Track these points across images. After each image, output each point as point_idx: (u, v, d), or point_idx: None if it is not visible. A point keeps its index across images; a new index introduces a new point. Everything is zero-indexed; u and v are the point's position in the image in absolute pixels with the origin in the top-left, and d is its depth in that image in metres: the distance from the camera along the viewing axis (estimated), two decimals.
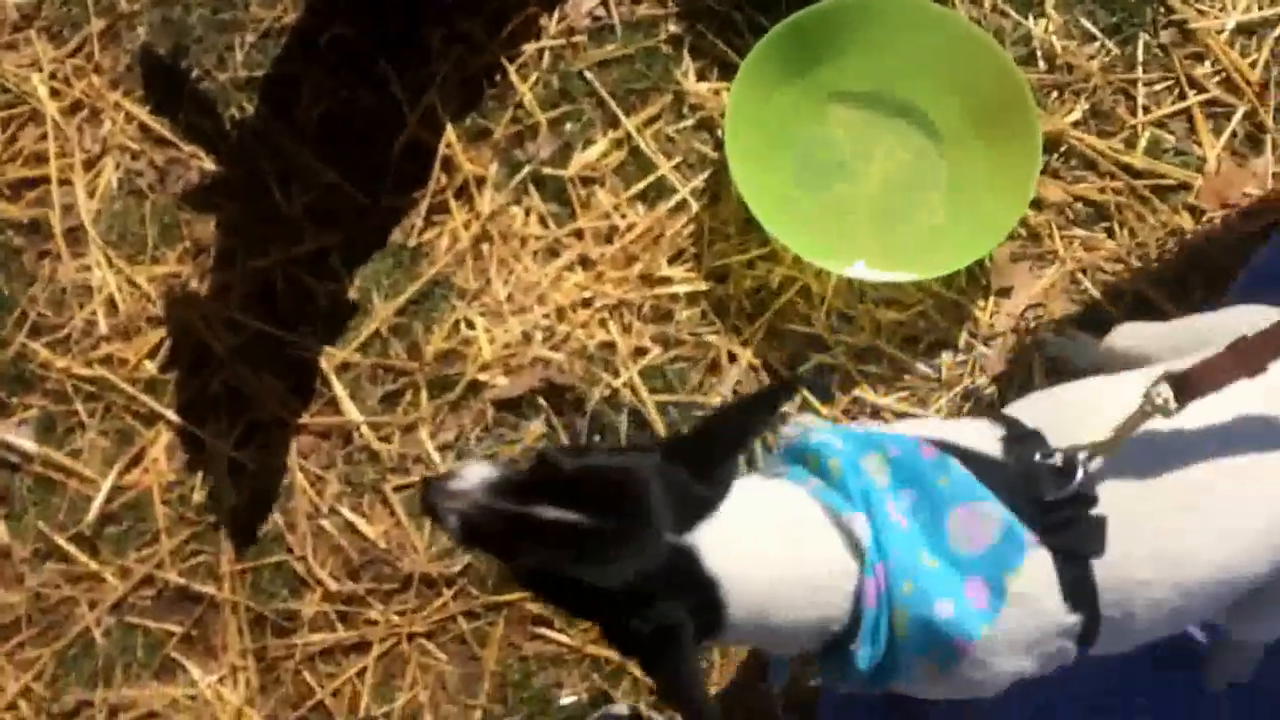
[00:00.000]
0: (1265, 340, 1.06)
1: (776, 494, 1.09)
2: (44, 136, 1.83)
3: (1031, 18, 1.77)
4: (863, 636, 1.03)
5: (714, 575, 1.00)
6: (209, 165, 1.81)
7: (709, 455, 1.04)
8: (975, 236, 1.67)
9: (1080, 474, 1.05)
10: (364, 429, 1.72)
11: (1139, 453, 1.06)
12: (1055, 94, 1.74)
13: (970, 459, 1.09)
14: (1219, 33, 1.75)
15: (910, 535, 1.03)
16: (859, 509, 1.03)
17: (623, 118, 1.79)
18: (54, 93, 1.84)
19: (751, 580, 1.02)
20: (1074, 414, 1.13)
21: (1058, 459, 1.06)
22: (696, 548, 1.00)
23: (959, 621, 1.00)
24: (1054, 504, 1.04)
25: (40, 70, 1.85)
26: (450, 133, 1.79)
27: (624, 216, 1.76)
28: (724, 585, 1.00)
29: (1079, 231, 1.71)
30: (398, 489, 1.71)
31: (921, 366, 1.69)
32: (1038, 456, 1.08)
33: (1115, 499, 1.05)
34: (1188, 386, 1.05)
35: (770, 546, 1.04)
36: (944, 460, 1.05)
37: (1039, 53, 1.75)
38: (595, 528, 0.98)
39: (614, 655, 1.63)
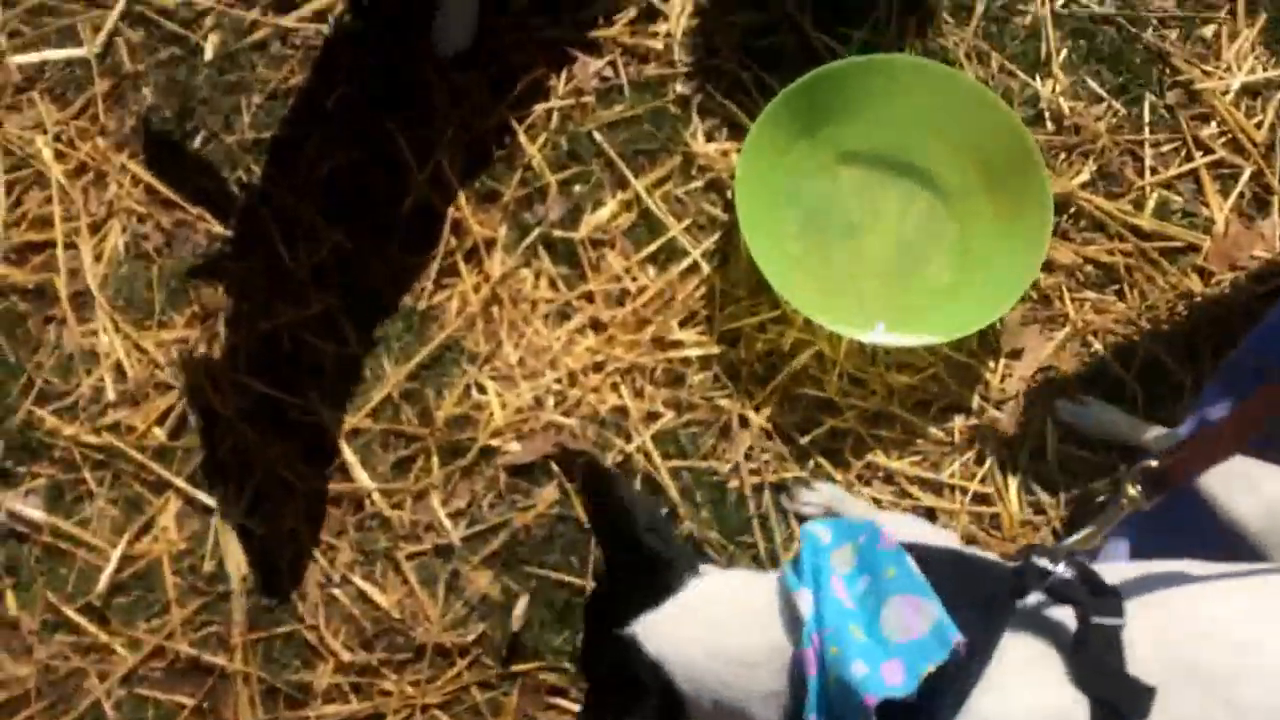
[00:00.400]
0: (1229, 430, 1.11)
1: (730, 581, 1.25)
2: (49, 200, 1.86)
3: (1039, 78, 1.83)
4: (809, 705, 1.11)
5: (656, 658, 1.17)
6: (216, 228, 1.85)
7: (649, 563, 1.22)
8: (987, 297, 1.73)
9: (1060, 567, 1.13)
10: (375, 496, 1.75)
11: (1194, 644, 1.11)
12: (1063, 155, 1.80)
13: (960, 560, 1.18)
14: (1224, 94, 1.81)
15: (848, 611, 1.12)
16: (808, 586, 1.14)
17: (632, 179, 1.84)
18: (58, 155, 1.88)
19: (687, 659, 1.17)
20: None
21: (1045, 561, 1.13)
22: (635, 635, 1.18)
23: (868, 680, 1.06)
24: (1083, 647, 1.09)
25: (44, 133, 1.88)
26: (459, 194, 1.84)
27: (635, 279, 1.81)
28: (666, 666, 1.17)
29: (1089, 294, 1.76)
30: (410, 557, 1.74)
31: (934, 430, 1.74)
32: (1032, 558, 1.15)
33: (1163, 681, 1.09)
34: (1162, 481, 1.11)
35: (704, 629, 1.18)
36: (899, 554, 1.14)
37: (1047, 113, 1.82)
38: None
39: None
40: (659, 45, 1.88)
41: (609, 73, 1.88)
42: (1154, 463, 1.14)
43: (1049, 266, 1.76)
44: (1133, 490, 1.13)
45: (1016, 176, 1.74)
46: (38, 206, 1.87)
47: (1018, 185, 1.74)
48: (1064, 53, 1.84)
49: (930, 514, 1.72)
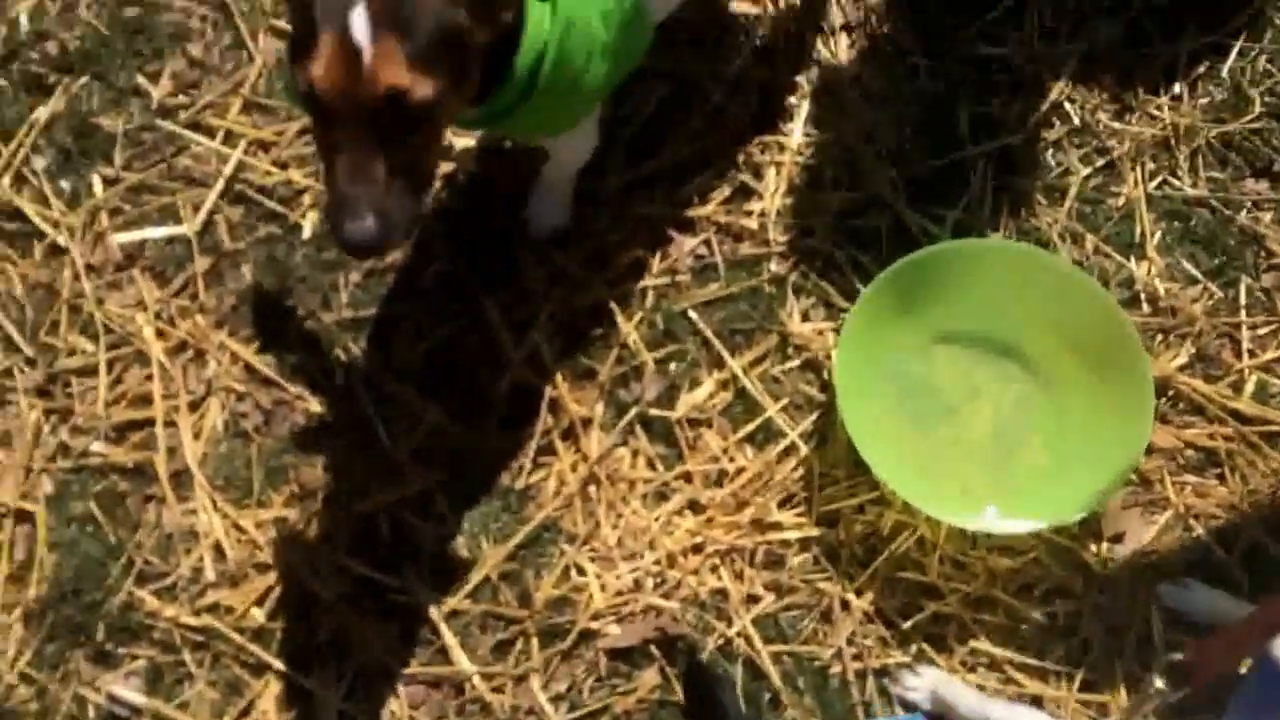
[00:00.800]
0: (1251, 628, 1.17)
1: None
2: (149, 378, 1.95)
3: (1134, 259, 1.91)
4: None
5: None
6: (314, 406, 1.93)
7: None
8: (1089, 482, 1.79)
9: None
10: (476, 679, 1.80)
11: None
12: (1160, 337, 1.88)
13: None
14: None
15: None
16: None
17: (728, 358, 1.91)
18: (159, 333, 1.96)
19: None
20: None
21: None
22: None
23: None
24: None
25: (145, 310, 1.97)
26: (555, 373, 1.90)
27: (732, 460, 1.87)
28: None
29: (1190, 478, 1.82)
30: None
31: (1037, 615, 1.78)
32: None
33: None
34: (1188, 674, 1.16)
35: None
36: None
37: (1143, 295, 1.90)
38: None
39: None
40: (753, 224, 1.97)
41: (704, 251, 1.97)
42: (1179, 656, 1.20)
43: (1149, 449, 1.82)
44: (1159, 683, 1.19)
45: (1114, 359, 1.81)
46: (138, 384, 1.95)
47: (1116, 367, 1.81)
48: (1158, 235, 1.93)
49: (1037, 701, 1.77)
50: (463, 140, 2.03)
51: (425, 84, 1.26)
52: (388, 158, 1.28)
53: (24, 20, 2.09)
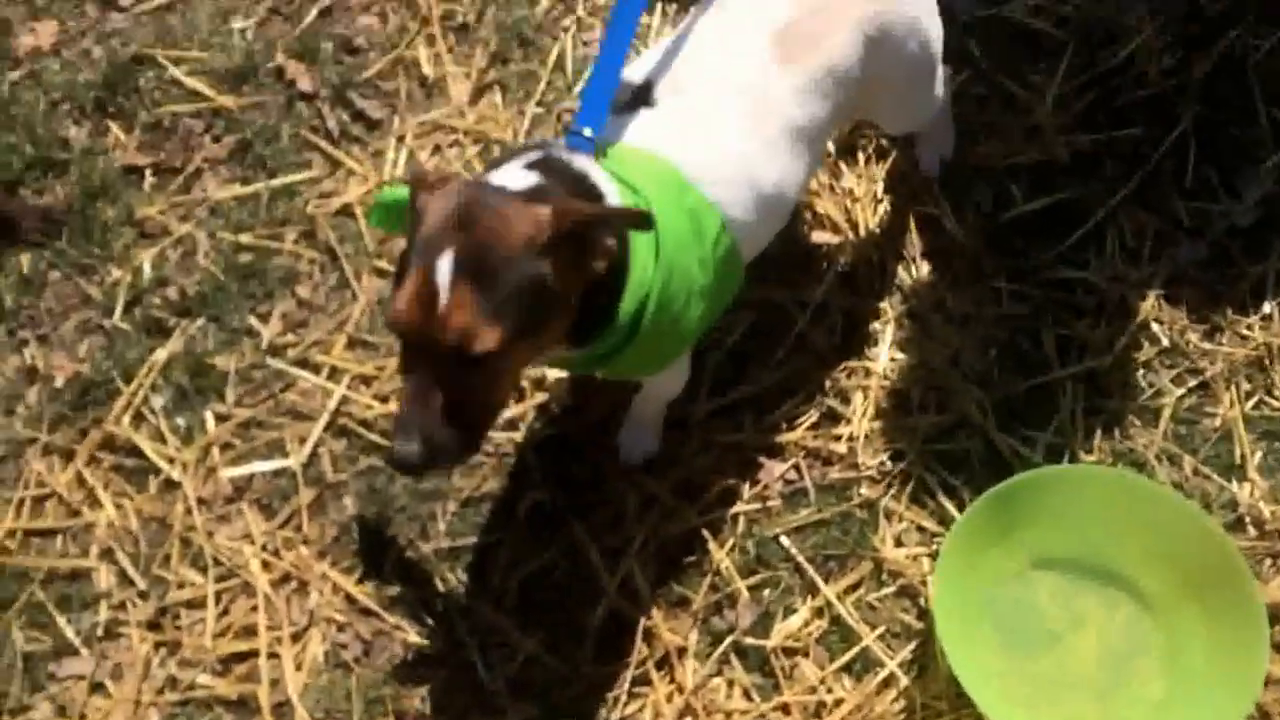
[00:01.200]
0: None
1: None
2: (254, 609, 1.99)
3: (1235, 481, 1.88)
4: None
5: None
6: (412, 637, 1.95)
7: None
8: (1202, 715, 1.70)
9: None
10: None
11: None
12: (1269, 562, 1.82)
13: None
14: None
15: None
16: None
17: (822, 585, 1.90)
18: (264, 565, 2.01)
19: None
20: None
21: None
22: None
23: None
24: None
25: (252, 543, 2.02)
26: (649, 601, 1.90)
27: (830, 690, 1.84)
28: None
29: None
30: None
31: None
32: None
33: None
34: None
35: None
36: None
37: (1247, 519, 1.84)
38: None
39: None
40: (842, 449, 1.98)
41: (793, 476, 1.98)
42: None
43: (1266, 681, 1.74)
44: None
45: (1222, 585, 1.76)
46: (243, 616, 1.99)
47: (1224, 594, 1.76)
48: (1259, 455, 1.90)
49: None
50: (555, 371, 2.09)
51: (491, 336, 1.33)
52: (449, 392, 1.36)
53: (147, 267, 2.24)
